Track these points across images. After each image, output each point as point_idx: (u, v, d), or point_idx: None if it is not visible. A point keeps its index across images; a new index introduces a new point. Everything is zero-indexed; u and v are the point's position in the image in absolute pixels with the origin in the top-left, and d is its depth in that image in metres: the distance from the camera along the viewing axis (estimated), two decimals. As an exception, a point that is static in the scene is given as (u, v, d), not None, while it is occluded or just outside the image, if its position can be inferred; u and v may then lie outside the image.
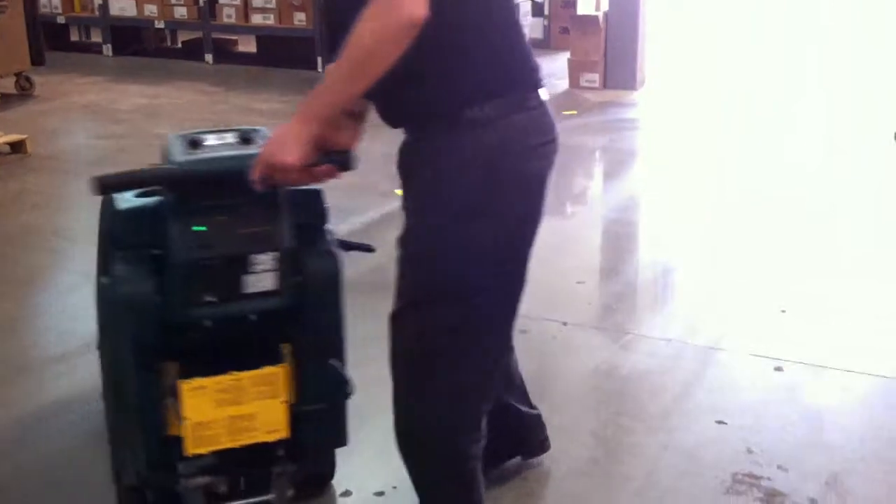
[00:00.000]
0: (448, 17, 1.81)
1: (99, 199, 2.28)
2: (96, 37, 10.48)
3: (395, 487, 2.58)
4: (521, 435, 2.65)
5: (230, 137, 2.10)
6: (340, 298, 2.20)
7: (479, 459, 2.18)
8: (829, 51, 10.21)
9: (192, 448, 2.12)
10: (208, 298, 2.03)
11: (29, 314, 4.01)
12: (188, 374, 2.10)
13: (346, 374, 2.25)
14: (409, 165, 2.04)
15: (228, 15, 9.13)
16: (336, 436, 2.35)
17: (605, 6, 8.72)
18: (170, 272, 2.02)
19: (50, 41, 8.77)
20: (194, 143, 2.07)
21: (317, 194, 2.19)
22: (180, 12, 9.40)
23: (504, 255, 2.02)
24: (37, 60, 7.82)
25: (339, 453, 2.55)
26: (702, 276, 4.12)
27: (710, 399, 3.09)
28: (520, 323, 3.47)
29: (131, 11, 9.70)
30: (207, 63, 9.21)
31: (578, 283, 4.10)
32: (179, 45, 10.35)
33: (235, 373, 2.10)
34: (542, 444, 2.71)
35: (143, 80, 8.48)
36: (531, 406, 2.67)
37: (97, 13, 10.14)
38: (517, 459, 2.69)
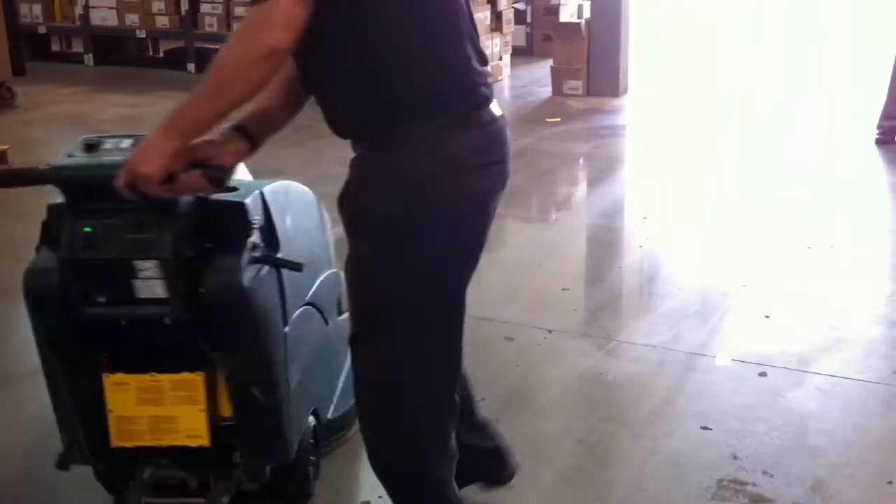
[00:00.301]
0: (381, 33, 1.81)
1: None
2: (77, 46, 10.43)
3: (380, 497, 2.56)
4: (481, 469, 2.50)
5: (127, 143, 2.08)
6: (253, 316, 2.15)
7: (451, 476, 2.14)
8: (820, 53, 10.26)
9: (115, 440, 2.21)
10: (100, 299, 2.08)
11: (11, 324, 3.97)
12: (115, 368, 2.19)
13: (267, 398, 2.21)
14: (347, 184, 1.98)
15: (210, 24, 9.12)
16: (274, 452, 2.32)
17: (587, 13, 8.75)
18: (61, 269, 2.08)
19: (31, 51, 8.73)
20: (91, 147, 2.08)
21: (240, 207, 2.15)
22: (162, 21, 9.37)
23: (437, 282, 1.94)
24: (18, 70, 7.78)
25: (326, 463, 2.53)
26: (686, 282, 4.12)
27: (695, 405, 3.09)
28: (505, 330, 3.51)
29: (112, 21, 9.66)
30: (190, 72, 9.18)
31: (563, 289, 4.10)
32: (162, 55, 10.32)
33: (156, 374, 2.16)
34: (508, 476, 2.56)
35: (124, 89, 8.44)
36: (492, 437, 2.51)
37: (78, 23, 10.10)
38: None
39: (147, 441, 2.22)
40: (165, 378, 2.18)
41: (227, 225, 2.14)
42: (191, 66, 9.27)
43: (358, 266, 1.97)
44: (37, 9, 10.23)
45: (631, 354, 3.47)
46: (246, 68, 1.74)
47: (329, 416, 2.78)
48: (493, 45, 9.20)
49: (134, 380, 2.18)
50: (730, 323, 3.72)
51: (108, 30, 9.79)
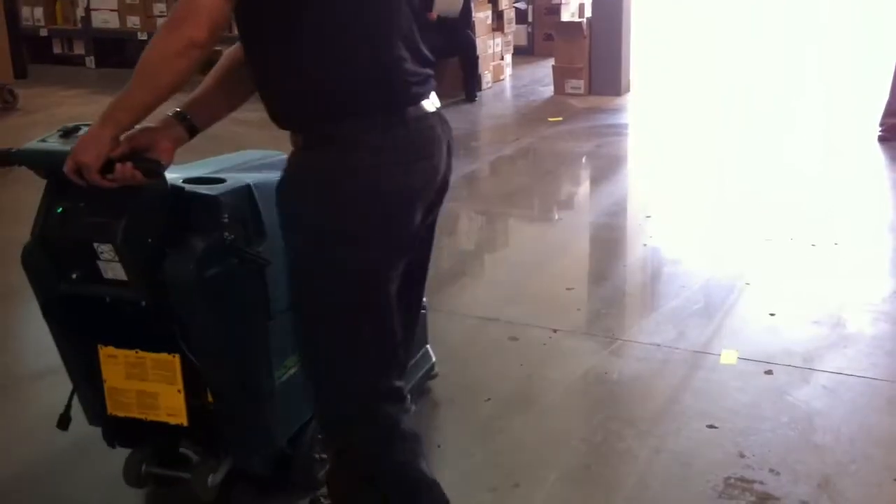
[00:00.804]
0: (310, 32, 1.83)
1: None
2: (79, 49, 10.44)
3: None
4: None
5: None
6: (211, 308, 2.18)
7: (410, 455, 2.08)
8: (821, 49, 10.25)
9: (110, 409, 2.34)
10: (73, 275, 2.17)
11: (11, 328, 3.97)
12: (107, 341, 2.31)
13: (237, 389, 2.27)
14: (281, 180, 2.01)
15: (212, 26, 9.11)
16: (255, 443, 2.38)
17: (588, 13, 8.75)
18: (36, 246, 2.21)
19: (32, 54, 8.75)
20: (67, 133, 2.15)
21: (212, 200, 2.19)
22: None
23: (364, 276, 1.94)
24: (19, 73, 7.80)
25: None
26: (690, 280, 4.11)
27: (701, 403, 3.08)
28: (509, 330, 3.51)
29: (114, 23, 9.68)
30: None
31: (568, 289, 4.09)
32: (163, 57, 10.31)
33: (140, 351, 2.26)
34: None
35: (126, 91, 8.43)
36: None
37: (79, 25, 10.12)
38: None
39: (135, 413, 2.32)
40: (147, 356, 2.27)
41: (197, 216, 2.19)
42: (192, 68, 9.26)
43: (289, 256, 2.01)
44: (38, 11, 10.25)
45: (636, 353, 3.46)
46: (168, 60, 1.80)
47: None
48: (495, 45, 9.21)
49: (122, 354, 2.30)
50: (734, 321, 3.71)
51: (109, 32, 9.81)
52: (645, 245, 4.67)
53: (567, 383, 3.26)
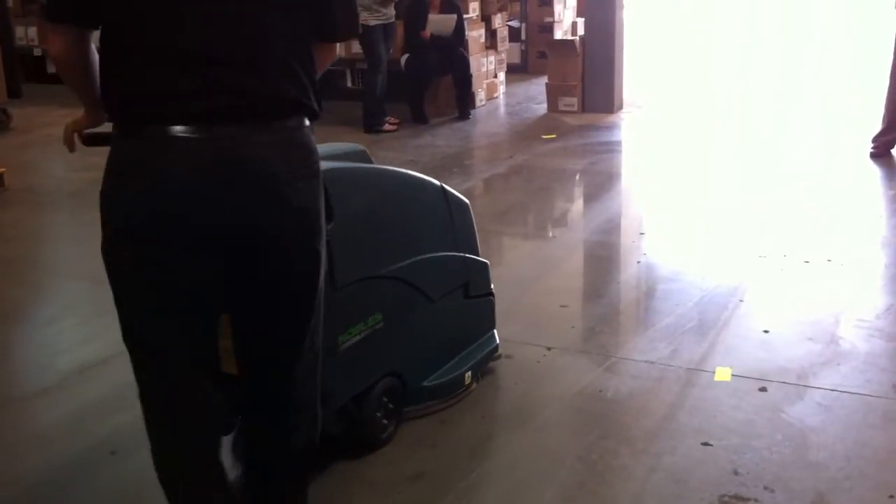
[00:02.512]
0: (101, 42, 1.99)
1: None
2: (73, 68, 10.44)
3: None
4: None
5: None
6: None
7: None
8: (815, 67, 10.31)
9: (223, 367, 2.27)
10: None
11: (7, 348, 3.96)
12: None
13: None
14: None
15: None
16: (324, 395, 2.48)
17: (581, 31, 8.80)
18: None
19: (26, 73, 8.76)
20: None
21: None
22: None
23: (110, 267, 2.01)
24: (14, 93, 7.80)
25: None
26: (684, 298, 4.12)
27: (695, 421, 3.09)
28: (504, 347, 3.50)
29: (108, 43, 9.66)
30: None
31: (562, 306, 4.10)
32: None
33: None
34: None
35: (121, 110, 8.44)
36: None
37: (74, 45, 10.10)
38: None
39: (226, 369, 2.35)
40: (225, 315, 2.32)
41: None
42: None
43: None
44: (32, 31, 10.26)
45: (630, 371, 3.46)
46: (57, 66, 2.11)
47: (425, 383, 3.12)
48: (488, 63, 9.25)
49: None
50: (729, 338, 3.72)
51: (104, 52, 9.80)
52: (639, 262, 4.68)
53: (562, 401, 3.26)
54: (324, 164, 2.48)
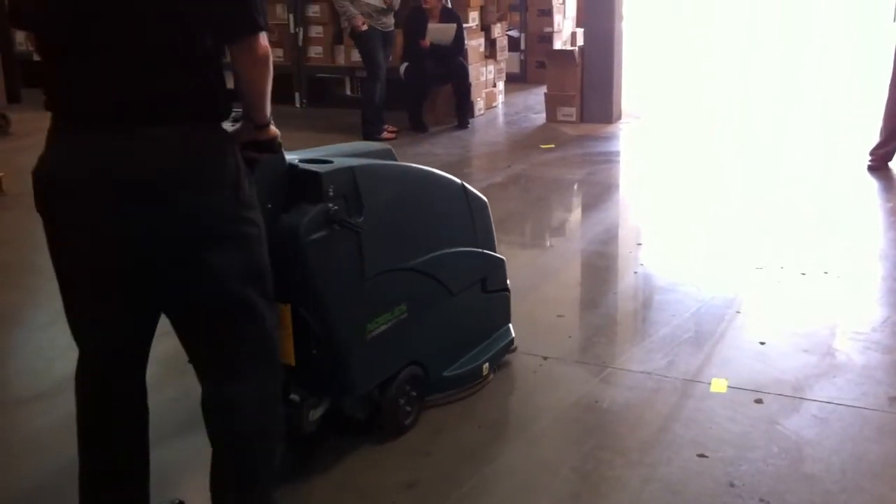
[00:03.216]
0: None
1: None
2: (73, 73, 10.45)
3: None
4: None
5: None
6: (314, 264, 2.64)
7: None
8: (812, 76, 10.33)
9: None
10: None
11: (2, 353, 3.95)
12: None
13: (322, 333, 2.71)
14: None
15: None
16: (349, 381, 2.83)
17: (580, 41, 8.81)
18: None
19: (26, 78, 8.75)
20: None
21: (320, 177, 2.68)
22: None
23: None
24: (13, 98, 7.81)
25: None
26: (680, 309, 4.12)
27: (691, 432, 3.08)
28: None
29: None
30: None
31: (558, 316, 4.09)
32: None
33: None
34: None
35: (119, 116, 8.43)
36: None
37: (74, 50, 10.10)
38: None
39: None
40: (283, 306, 2.60)
41: (308, 189, 2.64)
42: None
43: None
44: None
45: (626, 381, 3.46)
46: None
47: (446, 373, 3.24)
48: (487, 72, 9.26)
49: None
50: (725, 349, 3.72)
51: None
52: (636, 273, 4.68)
53: (557, 411, 3.25)
54: (355, 161, 2.81)
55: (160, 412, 2.58)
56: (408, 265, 3.00)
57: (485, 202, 3.43)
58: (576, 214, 6.15)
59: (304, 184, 2.64)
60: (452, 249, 3.22)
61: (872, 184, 6.23)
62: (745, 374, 3.47)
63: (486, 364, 3.39)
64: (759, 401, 3.27)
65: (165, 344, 2.46)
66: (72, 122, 2.13)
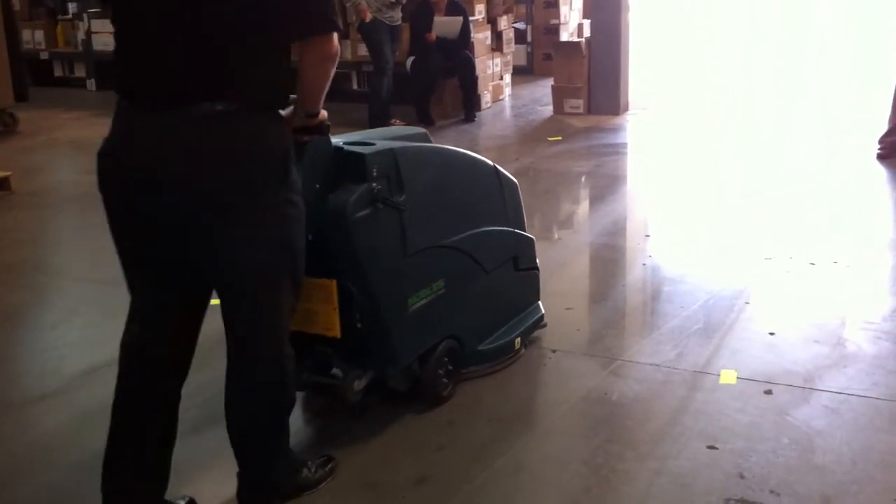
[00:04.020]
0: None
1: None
2: (80, 72, 10.48)
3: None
4: None
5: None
6: (359, 240, 2.78)
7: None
8: (820, 67, 10.29)
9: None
10: None
11: (10, 352, 3.96)
12: None
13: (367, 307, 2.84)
14: None
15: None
16: (380, 357, 2.95)
17: (587, 32, 8.79)
18: None
19: (34, 77, 8.79)
20: None
21: (365, 159, 2.82)
22: (164, 46, 9.39)
23: None
24: (20, 96, 7.82)
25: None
26: (689, 300, 4.10)
27: (701, 424, 3.07)
28: (507, 352, 3.49)
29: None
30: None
31: (567, 308, 4.09)
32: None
33: (306, 277, 2.57)
34: None
35: (127, 113, 8.44)
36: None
37: (80, 48, 10.15)
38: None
39: (301, 327, 2.78)
40: (311, 281, 2.71)
41: (352, 170, 2.79)
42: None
43: None
44: (39, 35, 10.29)
45: (635, 374, 3.45)
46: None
47: (480, 346, 3.37)
48: (494, 65, 9.25)
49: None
50: (734, 341, 3.70)
51: (110, 55, 9.78)
52: (644, 264, 4.67)
53: (567, 404, 3.25)
54: (396, 144, 2.96)
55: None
56: (445, 243, 3.14)
57: (515, 183, 3.56)
58: (583, 206, 6.14)
59: (348, 165, 2.79)
60: (486, 228, 3.35)
61: (881, 172, 6.20)
62: (755, 365, 3.46)
63: (518, 339, 3.52)
64: (768, 392, 3.26)
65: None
66: (129, 103, 2.30)
